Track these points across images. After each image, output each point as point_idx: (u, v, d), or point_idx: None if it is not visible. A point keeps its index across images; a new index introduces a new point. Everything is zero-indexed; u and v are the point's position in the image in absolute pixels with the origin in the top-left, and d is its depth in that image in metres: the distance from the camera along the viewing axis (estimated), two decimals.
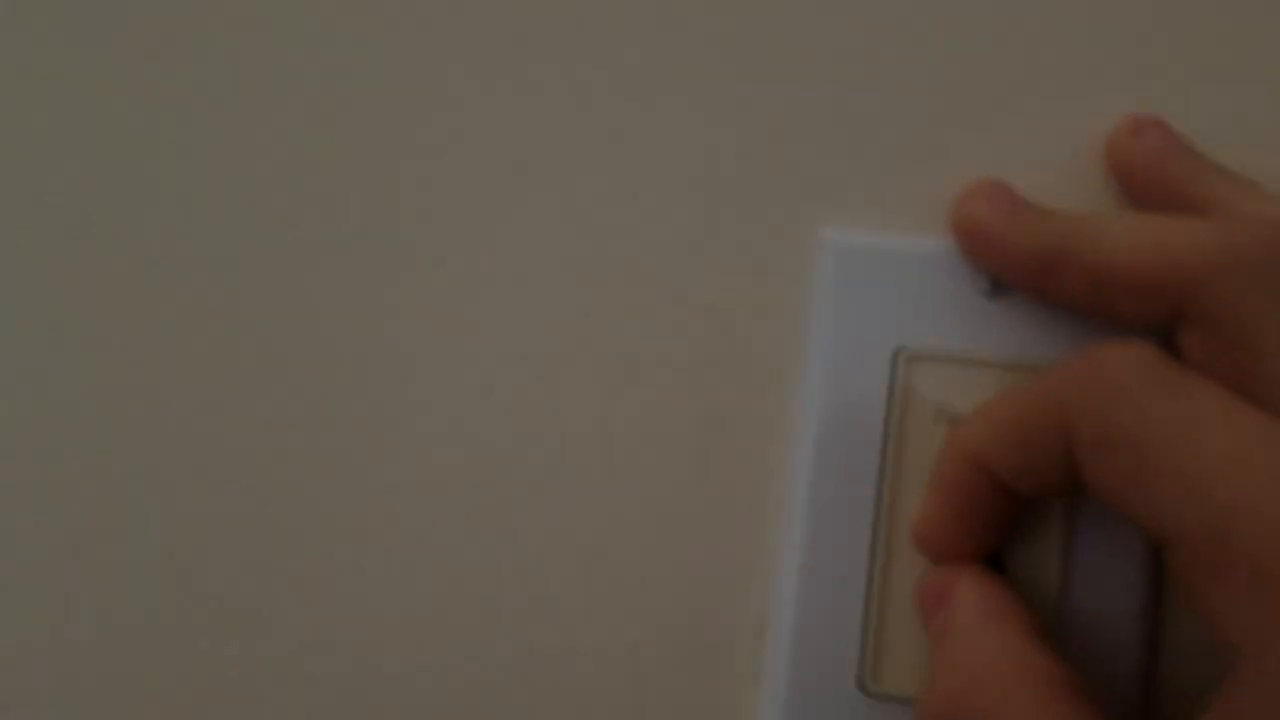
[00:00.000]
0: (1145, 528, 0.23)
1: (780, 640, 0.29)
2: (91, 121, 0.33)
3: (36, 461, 0.32)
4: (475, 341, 0.32)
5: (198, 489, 0.32)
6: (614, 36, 0.32)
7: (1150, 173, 0.29)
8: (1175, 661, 0.29)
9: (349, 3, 0.33)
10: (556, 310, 0.32)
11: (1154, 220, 0.27)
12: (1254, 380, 0.24)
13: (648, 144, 0.32)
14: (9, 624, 0.32)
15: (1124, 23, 0.31)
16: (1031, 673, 0.24)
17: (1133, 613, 0.28)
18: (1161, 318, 0.26)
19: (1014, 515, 0.27)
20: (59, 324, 0.33)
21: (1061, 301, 0.28)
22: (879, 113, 0.31)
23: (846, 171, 0.31)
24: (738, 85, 0.32)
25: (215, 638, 0.32)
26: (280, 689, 0.31)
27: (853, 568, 0.29)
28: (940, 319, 0.29)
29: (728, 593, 0.31)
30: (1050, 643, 0.25)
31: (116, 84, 0.33)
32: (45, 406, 0.33)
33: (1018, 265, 0.28)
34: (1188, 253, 0.25)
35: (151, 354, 0.33)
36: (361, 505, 0.32)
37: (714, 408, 0.31)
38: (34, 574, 0.32)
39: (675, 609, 0.31)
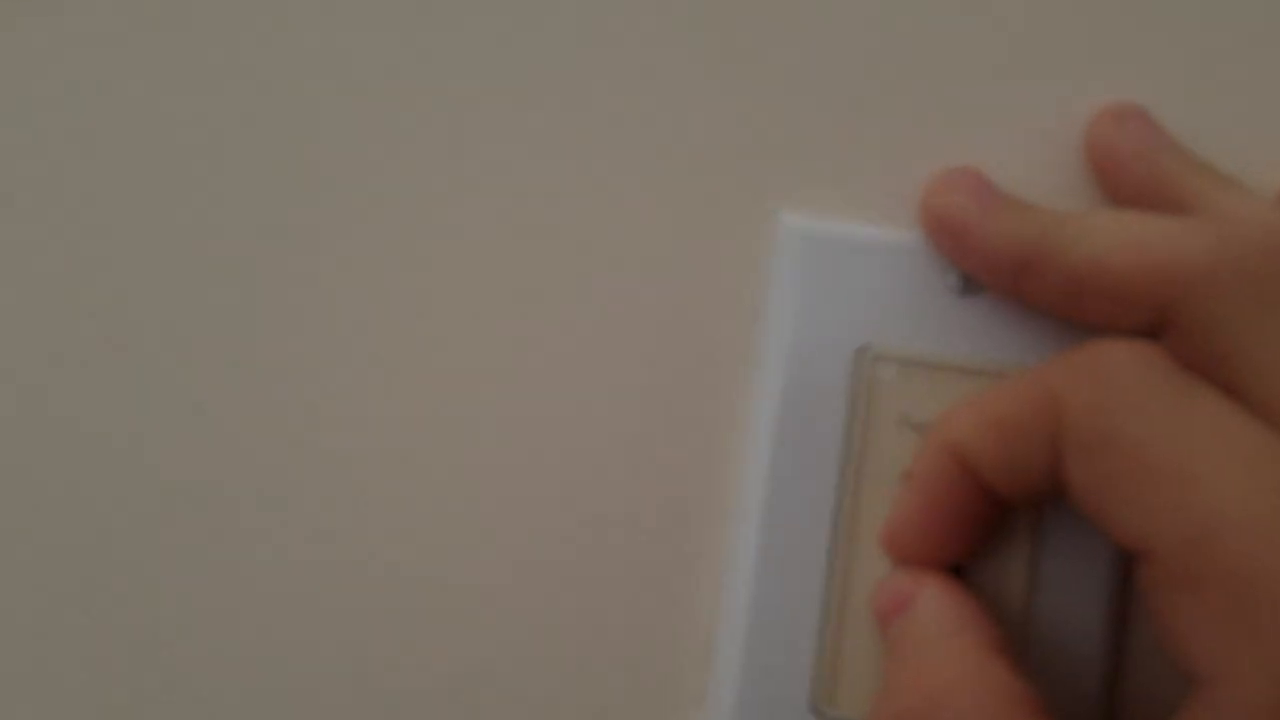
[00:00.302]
0: (1123, 536, 0.22)
1: (728, 659, 0.27)
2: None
3: None
4: (411, 325, 0.29)
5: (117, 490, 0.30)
6: (575, 6, 0.30)
7: (1130, 166, 0.27)
8: (1139, 681, 0.28)
9: None
10: (495, 295, 0.29)
11: (1139, 219, 0.25)
12: (1242, 393, 0.23)
13: (599, 115, 0.30)
14: None
15: (1104, 6, 0.29)
16: (993, 691, 0.23)
17: (1098, 630, 0.27)
18: (1143, 323, 0.24)
19: (987, 522, 0.26)
20: None
21: (1037, 303, 0.26)
22: (847, 93, 0.29)
23: (811, 153, 0.29)
24: (700, 55, 0.29)
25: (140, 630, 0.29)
26: (200, 699, 0.29)
27: (808, 582, 0.27)
28: (907, 317, 0.27)
29: (671, 606, 0.29)
30: (1013, 658, 0.24)
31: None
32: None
33: (992, 263, 0.26)
34: (1176, 256, 0.24)
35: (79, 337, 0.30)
36: (293, 503, 0.29)
37: (662, 404, 0.29)
38: None
39: (614, 623, 0.29)
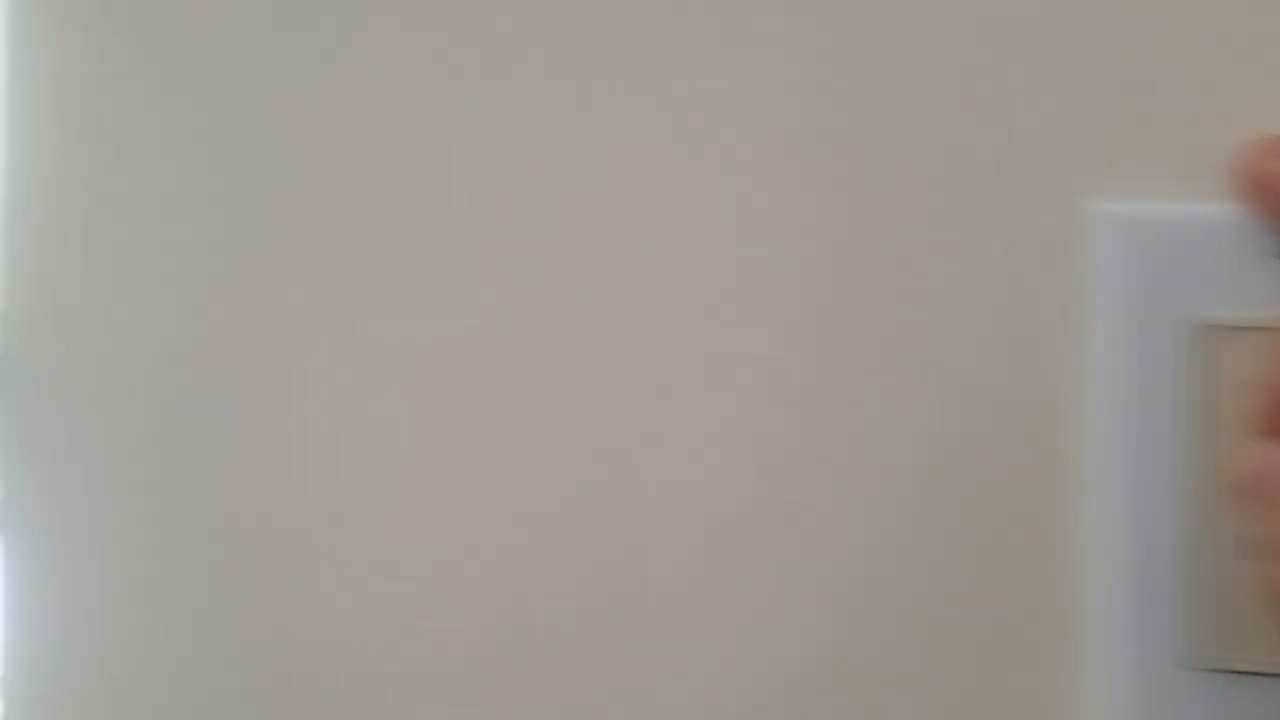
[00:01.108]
0: None
1: (1101, 625, 0.29)
2: None
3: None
4: (713, 323, 0.32)
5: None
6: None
7: None
8: None
9: None
10: (825, 296, 0.31)
11: None
12: None
13: (886, 106, 0.31)
14: None
15: None
16: None
17: None
18: None
19: None
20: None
21: None
22: (1135, 74, 0.30)
23: (1106, 136, 0.30)
24: (986, 40, 0.31)
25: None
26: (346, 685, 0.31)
27: (1164, 547, 0.29)
28: (1229, 287, 0.29)
29: (1038, 582, 0.30)
30: None
31: None
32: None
33: None
34: None
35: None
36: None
37: (993, 395, 0.31)
38: None
39: (988, 602, 0.31)
